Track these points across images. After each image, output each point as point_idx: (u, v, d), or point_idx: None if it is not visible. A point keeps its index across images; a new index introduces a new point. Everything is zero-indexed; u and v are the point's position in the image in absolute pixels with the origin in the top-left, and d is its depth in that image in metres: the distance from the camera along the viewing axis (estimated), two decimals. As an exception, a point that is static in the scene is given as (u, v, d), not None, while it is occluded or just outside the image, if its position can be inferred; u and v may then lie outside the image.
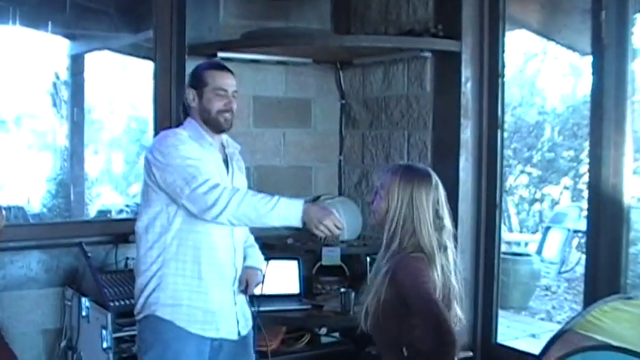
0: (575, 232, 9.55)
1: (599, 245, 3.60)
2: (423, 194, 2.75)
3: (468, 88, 4.23)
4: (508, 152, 10.54)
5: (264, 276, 3.49)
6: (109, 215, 7.23)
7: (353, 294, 4.26)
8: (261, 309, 3.57)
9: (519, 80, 11.61)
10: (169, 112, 4.57)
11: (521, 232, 11.65)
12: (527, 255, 8.75)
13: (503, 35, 4.19)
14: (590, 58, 3.67)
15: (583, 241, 9.30)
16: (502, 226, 4.36)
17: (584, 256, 7.99)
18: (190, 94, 3.27)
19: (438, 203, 2.78)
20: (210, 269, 3.18)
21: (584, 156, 10.49)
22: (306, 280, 4.63)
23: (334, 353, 4.56)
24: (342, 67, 5.07)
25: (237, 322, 3.29)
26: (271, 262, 4.14)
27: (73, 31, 7.03)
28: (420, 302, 2.57)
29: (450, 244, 2.80)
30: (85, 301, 4.02)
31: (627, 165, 3.49)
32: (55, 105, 7.87)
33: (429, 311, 2.53)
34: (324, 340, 4.63)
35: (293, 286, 4.52)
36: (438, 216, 2.78)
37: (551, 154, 11.50)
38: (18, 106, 8.18)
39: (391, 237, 2.77)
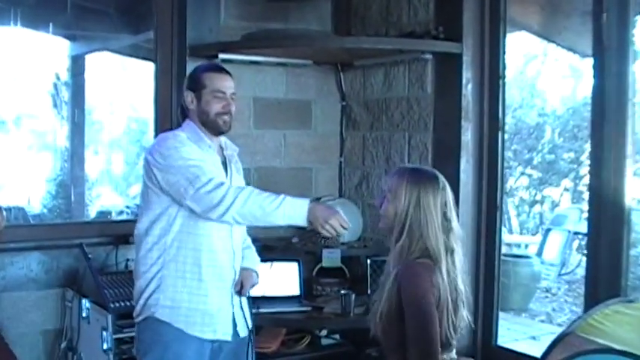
0: (576, 234, 9.55)
1: (599, 247, 3.59)
2: (430, 197, 2.74)
3: (468, 89, 4.23)
4: (508, 154, 10.54)
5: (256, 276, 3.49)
6: (108, 216, 7.24)
7: (353, 296, 4.25)
8: (262, 311, 3.57)
9: (520, 82, 11.62)
10: (170, 114, 4.57)
11: (521, 233, 11.65)
12: (528, 257, 8.75)
13: (504, 37, 4.19)
14: (590, 60, 3.67)
15: (583, 243, 9.32)
16: (502, 227, 4.36)
17: (584, 258, 8.00)
18: (189, 97, 3.27)
19: (445, 205, 2.77)
20: (211, 271, 3.18)
21: (585, 158, 10.51)
22: (306, 282, 4.63)
23: (334, 355, 4.55)
24: (343, 69, 5.07)
25: (235, 323, 3.29)
26: (271, 263, 4.15)
27: (73, 32, 7.04)
28: (415, 322, 2.59)
29: (457, 247, 2.78)
30: (86, 303, 4.02)
31: (628, 167, 3.48)
32: (55, 106, 7.88)
33: (421, 338, 2.56)
34: (325, 341, 4.63)
35: (293, 288, 4.52)
36: (445, 218, 2.77)
37: (551, 155, 11.50)
38: (18, 106, 8.19)
39: (401, 240, 2.76)
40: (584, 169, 10.55)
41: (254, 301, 3.53)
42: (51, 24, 6.67)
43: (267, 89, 4.88)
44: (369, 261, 4.48)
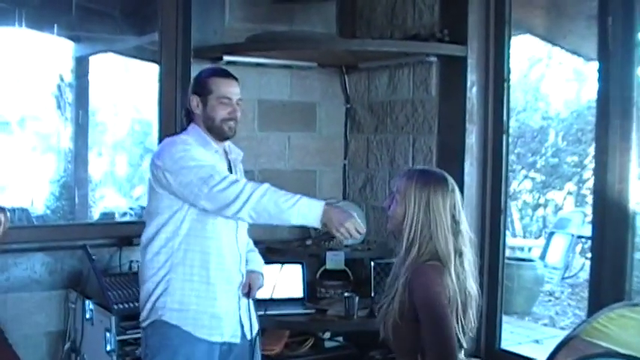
0: (579, 237, 9.53)
1: (604, 251, 3.59)
2: (439, 199, 2.73)
3: (473, 92, 4.23)
4: (512, 157, 10.52)
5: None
6: (112, 218, 7.23)
7: (357, 298, 4.25)
8: (265, 313, 3.57)
9: (523, 85, 11.60)
10: (174, 115, 4.58)
11: (524, 237, 11.63)
12: (531, 260, 8.73)
13: (509, 40, 4.19)
14: (594, 64, 3.67)
15: (587, 246, 9.30)
16: (506, 231, 4.35)
17: (587, 262, 8.00)
18: (194, 101, 3.26)
19: (454, 208, 2.76)
20: (218, 274, 3.18)
21: (588, 161, 10.50)
22: (309, 285, 4.63)
23: (338, 357, 4.56)
24: (348, 71, 5.07)
25: (242, 325, 3.29)
26: (275, 266, 4.15)
27: (78, 33, 7.04)
28: (431, 325, 2.59)
29: (465, 249, 2.77)
30: (89, 304, 4.03)
31: (633, 171, 3.48)
32: (59, 107, 7.88)
33: (438, 341, 2.55)
34: (328, 344, 4.63)
35: (297, 290, 4.51)
36: (454, 221, 2.75)
37: (554, 159, 11.48)
38: (22, 107, 8.19)
39: (410, 242, 2.75)
40: (588, 173, 10.54)
41: (259, 304, 3.53)
42: (55, 25, 6.67)
43: (271, 91, 4.89)
44: (372, 263, 4.47)
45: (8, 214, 2.97)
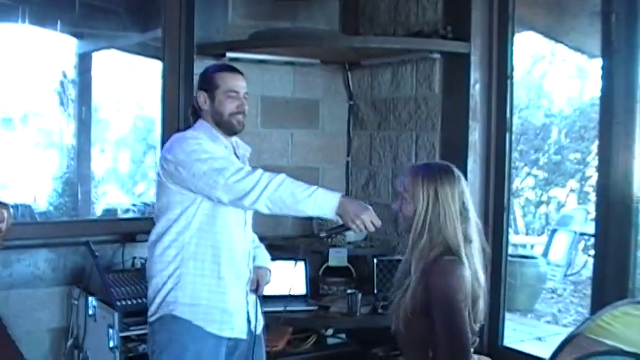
0: (582, 234, 9.53)
1: (607, 248, 3.59)
2: (447, 189, 2.74)
3: (476, 89, 4.23)
4: (515, 154, 10.48)
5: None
6: (114, 214, 7.24)
7: (360, 295, 4.26)
8: (268, 309, 3.57)
9: (527, 82, 11.58)
10: (177, 112, 4.58)
11: (527, 234, 11.62)
12: (534, 257, 8.73)
13: (512, 37, 4.19)
14: (598, 61, 3.67)
15: (589, 243, 9.29)
16: (508, 228, 4.35)
17: (590, 259, 7.99)
18: (201, 97, 3.27)
19: (463, 195, 2.78)
20: (229, 269, 3.19)
21: (591, 158, 10.48)
22: (312, 281, 4.63)
23: (340, 354, 4.56)
24: (350, 68, 5.07)
25: (249, 321, 3.30)
26: (277, 262, 4.15)
27: (81, 29, 7.04)
28: (445, 320, 2.60)
29: (474, 237, 2.78)
30: (92, 300, 4.02)
31: (636, 168, 3.48)
32: (62, 103, 7.88)
33: (452, 336, 2.57)
34: (331, 341, 4.63)
35: (299, 287, 4.51)
36: (464, 207, 2.77)
37: (557, 156, 11.46)
38: (25, 104, 8.18)
39: (418, 235, 2.76)
40: (591, 170, 10.53)
41: (265, 299, 3.54)
42: (59, 21, 6.67)
43: (274, 88, 4.89)
44: (375, 260, 4.48)
45: (11, 210, 2.97)
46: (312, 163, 5.04)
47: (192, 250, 3.14)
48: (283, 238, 4.73)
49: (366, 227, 2.97)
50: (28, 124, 8.56)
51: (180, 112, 4.57)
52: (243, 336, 3.27)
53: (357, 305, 4.25)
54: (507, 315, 4.44)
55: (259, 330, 3.38)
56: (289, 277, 4.38)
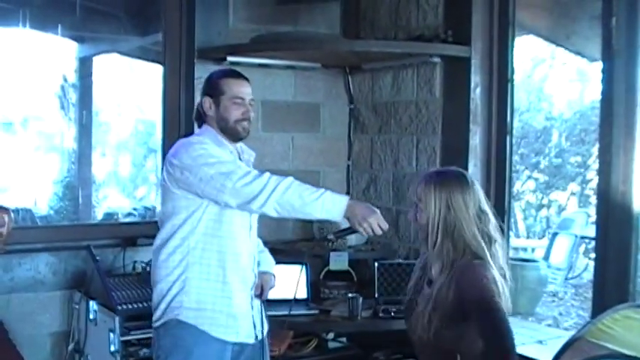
0: (583, 238, 9.51)
1: (607, 252, 3.59)
2: (459, 196, 2.75)
3: (477, 93, 4.23)
4: (515, 158, 10.49)
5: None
6: (115, 218, 7.24)
7: (361, 299, 4.25)
8: (268, 314, 3.57)
9: (527, 86, 11.58)
10: (178, 116, 4.59)
11: (528, 237, 11.61)
12: (534, 261, 8.71)
13: (513, 41, 4.19)
14: (598, 64, 3.66)
15: (590, 247, 9.28)
16: (509, 232, 4.35)
17: (591, 263, 7.99)
18: (207, 103, 3.26)
19: (479, 200, 2.78)
20: (234, 274, 3.19)
21: (592, 162, 10.47)
22: (313, 285, 4.63)
23: (341, 358, 4.56)
24: (351, 72, 5.08)
25: (254, 326, 3.29)
26: (278, 266, 4.15)
27: (81, 33, 7.04)
28: (488, 320, 2.58)
29: (496, 235, 2.79)
30: (93, 305, 4.03)
31: (637, 171, 3.48)
32: (62, 107, 7.88)
33: (500, 333, 2.55)
34: (332, 345, 4.64)
35: (300, 291, 4.51)
36: (481, 211, 2.77)
37: (558, 159, 11.46)
38: (25, 108, 8.19)
39: (436, 242, 2.76)
40: (591, 173, 10.52)
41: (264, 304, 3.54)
42: (59, 26, 6.67)
43: (275, 92, 4.90)
44: (376, 264, 4.48)
45: (12, 214, 2.98)
46: (313, 166, 5.04)
47: (197, 254, 3.13)
48: (284, 242, 4.73)
49: (373, 230, 2.97)
50: (28, 128, 8.56)
51: (180, 116, 4.57)
52: (249, 340, 3.27)
53: (358, 309, 4.24)
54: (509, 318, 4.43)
55: (263, 335, 3.38)
56: (291, 281, 4.38)
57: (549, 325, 7.40)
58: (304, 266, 4.48)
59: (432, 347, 2.77)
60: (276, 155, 4.90)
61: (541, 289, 8.16)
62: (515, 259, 8.04)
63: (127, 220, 6.85)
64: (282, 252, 4.46)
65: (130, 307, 3.85)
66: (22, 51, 6.97)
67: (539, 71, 11.87)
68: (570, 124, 11.47)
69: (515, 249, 9.78)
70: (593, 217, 3.80)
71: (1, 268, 4.24)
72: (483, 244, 2.74)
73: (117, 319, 3.78)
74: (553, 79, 11.81)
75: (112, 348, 3.80)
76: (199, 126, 3.35)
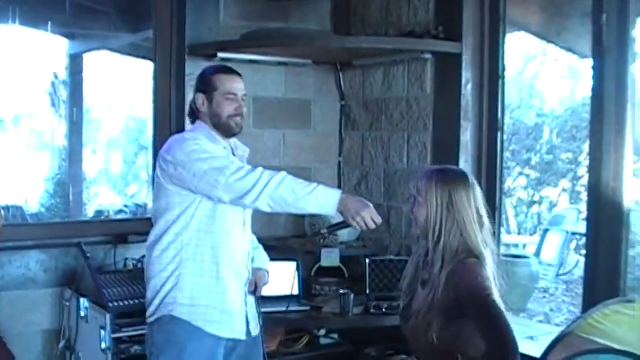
0: (574, 234, 9.55)
1: (598, 248, 3.60)
2: (462, 194, 2.74)
3: (468, 89, 4.23)
4: (506, 154, 10.48)
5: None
6: (106, 215, 7.23)
7: (352, 295, 4.25)
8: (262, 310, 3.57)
9: (518, 82, 11.61)
10: (168, 112, 4.58)
11: (519, 234, 11.64)
12: (526, 257, 8.73)
13: (504, 37, 4.19)
14: (589, 61, 3.67)
15: (581, 243, 9.30)
16: (500, 228, 4.36)
17: (582, 259, 8.00)
18: (199, 99, 3.26)
19: (477, 202, 2.78)
20: (228, 270, 3.19)
21: (583, 158, 10.51)
22: (304, 282, 4.62)
23: (333, 354, 4.55)
24: (342, 68, 5.07)
25: (248, 322, 3.29)
26: (270, 263, 4.15)
27: (72, 30, 7.04)
28: (486, 317, 2.56)
29: (489, 240, 2.79)
30: (84, 302, 4.01)
31: (627, 168, 3.48)
32: (53, 104, 7.88)
33: (499, 330, 2.52)
34: (323, 341, 4.63)
35: (292, 288, 4.51)
36: (478, 213, 2.77)
37: (549, 156, 11.50)
38: (16, 105, 8.18)
39: (436, 241, 2.76)
40: (582, 170, 10.55)
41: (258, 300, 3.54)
42: (49, 22, 6.66)
43: (266, 88, 4.89)
44: (367, 260, 4.47)
45: (2, 212, 2.97)
46: (304, 163, 5.03)
47: (190, 250, 3.13)
48: (276, 239, 4.73)
49: (366, 224, 2.98)
50: (19, 125, 8.56)
51: (171, 113, 4.56)
52: (242, 337, 3.27)
53: (349, 305, 4.24)
54: (499, 314, 4.43)
55: (257, 331, 3.38)
56: (283, 278, 4.39)
57: (540, 321, 7.41)
58: (295, 262, 4.50)
59: (432, 349, 2.75)
60: (267, 152, 4.89)
61: (532, 285, 8.18)
62: (506, 256, 8.07)
63: (118, 217, 6.84)
64: (274, 248, 4.46)
65: (120, 304, 3.83)
66: (12, 48, 6.96)
67: (531, 68, 11.91)
68: (561, 121, 11.51)
69: (507, 245, 9.81)
70: (584, 214, 3.81)
71: (-8, 266, 4.23)
72: (482, 244, 2.74)
73: (108, 316, 3.77)
74: (544, 76, 11.85)
75: (103, 345, 3.78)
76: (192, 122, 3.35)
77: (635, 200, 3.56)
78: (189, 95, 4.22)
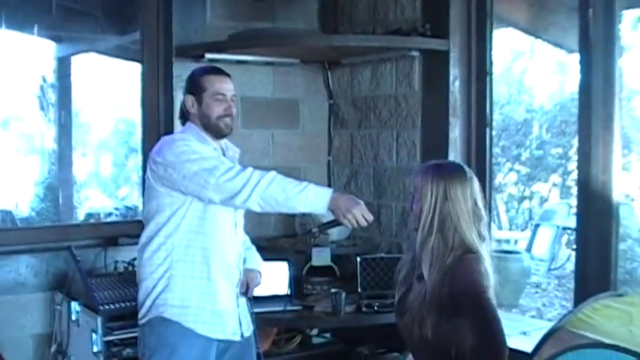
0: (565, 229, 9.56)
1: (588, 242, 3.61)
2: (458, 188, 2.71)
3: (456, 86, 4.24)
4: (496, 150, 10.55)
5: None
6: (97, 218, 7.21)
7: (344, 294, 4.24)
8: (252, 311, 3.56)
9: (507, 78, 11.63)
10: (157, 114, 4.57)
11: (510, 229, 11.66)
12: (517, 252, 8.75)
13: (491, 33, 4.20)
14: (577, 56, 3.68)
15: (572, 238, 9.32)
16: (492, 224, 4.36)
17: (573, 253, 8.02)
18: (189, 101, 3.25)
19: (475, 194, 2.75)
20: (219, 271, 3.18)
21: (573, 153, 10.53)
22: (296, 281, 4.62)
23: (325, 354, 4.56)
24: (330, 67, 5.07)
25: (240, 323, 3.29)
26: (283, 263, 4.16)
27: (59, 33, 7.00)
28: (481, 317, 2.54)
29: (486, 234, 2.77)
30: (75, 305, 4.01)
31: (616, 162, 3.49)
32: (42, 108, 7.84)
33: (490, 329, 2.49)
34: (316, 340, 4.64)
35: (283, 287, 4.51)
36: (476, 206, 2.74)
37: (539, 151, 11.52)
38: (5, 109, 8.14)
39: (427, 233, 2.73)
40: (572, 165, 10.57)
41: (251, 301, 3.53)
42: (36, 26, 6.63)
43: (254, 89, 4.89)
44: (358, 259, 4.47)
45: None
46: (294, 162, 5.03)
47: (182, 252, 3.13)
48: (266, 239, 4.72)
49: (357, 222, 2.97)
50: (8, 129, 8.51)
51: (160, 114, 4.56)
52: (235, 338, 3.26)
53: (341, 304, 4.24)
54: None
55: (250, 332, 3.37)
56: (274, 278, 4.39)
57: (533, 317, 7.44)
58: (287, 262, 4.50)
59: (427, 344, 2.73)
60: (256, 152, 4.88)
61: (524, 280, 8.21)
62: (498, 252, 8.08)
63: (109, 219, 6.82)
64: (265, 249, 4.45)
65: (112, 307, 3.82)
66: (-1, 52, 6.92)
67: (519, 64, 11.93)
68: (551, 116, 11.53)
69: (498, 241, 9.83)
70: (575, 208, 3.81)
71: (-18, 271, 4.22)
72: (477, 239, 2.74)
73: (99, 319, 3.76)
74: (533, 72, 11.86)
75: (95, 349, 3.78)
76: (183, 124, 3.34)
77: (624, 194, 3.56)
78: (177, 97, 4.23)
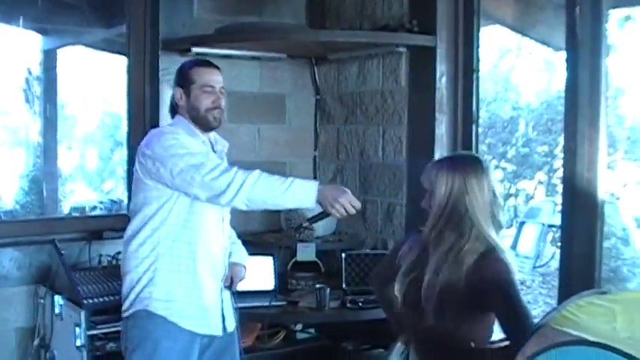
0: (550, 226, 9.58)
1: (573, 240, 3.61)
2: (473, 180, 2.69)
3: (442, 83, 4.24)
4: (482, 147, 10.53)
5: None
6: (82, 212, 7.17)
7: (328, 290, 4.25)
8: (237, 306, 3.55)
9: (494, 76, 11.64)
10: (143, 107, 4.55)
11: (496, 226, 11.67)
12: (502, 250, 8.75)
13: (478, 30, 4.20)
14: (563, 54, 3.68)
15: (557, 235, 9.34)
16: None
17: (558, 251, 8.04)
18: (177, 93, 3.26)
19: (492, 185, 2.74)
20: (205, 265, 3.18)
21: (559, 151, 10.55)
22: (281, 276, 4.62)
23: (310, 349, 4.56)
24: (317, 63, 5.07)
25: (224, 318, 3.28)
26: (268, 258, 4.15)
27: (45, 25, 6.96)
28: (519, 312, 2.58)
29: (503, 223, 2.79)
30: (59, 299, 3.99)
31: (601, 160, 3.49)
32: (27, 101, 7.79)
33: (525, 320, 2.54)
34: (300, 336, 4.64)
35: (268, 283, 4.50)
36: (494, 195, 2.73)
37: (525, 149, 11.55)
38: (-10, 102, 8.09)
39: (441, 225, 2.71)
40: (558, 162, 10.59)
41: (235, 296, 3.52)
42: (21, 18, 6.59)
43: (241, 83, 4.87)
44: (343, 255, 4.48)
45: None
46: (280, 157, 5.03)
47: (167, 245, 3.12)
48: (251, 234, 4.71)
49: (346, 210, 2.96)
50: (-6, 122, 8.47)
51: (145, 108, 4.54)
52: (218, 333, 3.26)
53: (325, 300, 4.24)
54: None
55: (233, 327, 3.37)
56: (259, 273, 4.38)
57: (517, 314, 7.42)
58: (271, 257, 4.49)
59: (451, 337, 2.69)
60: (242, 147, 4.87)
61: (509, 277, 8.18)
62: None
63: (93, 213, 6.79)
64: (250, 243, 4.45)
65: (95, 301, 3.81)
66: (-17, 44, 6.88)
67: (506, 61, 11.95)
68: (537, 114, 11.56)
69: (484, 238, 9.82)
70: (560, 206, 3.82)
71: (-36, 264, 4.19)
72: (493, 230, 2.72)
73: (83, 313, 3.74)
74: (520, 69, 11.88)
75: (78, 342, 3.76)
76: (172, 117, 3.34)
77: (609, 192, 3.57)
78: (163, 90, 4.22)
